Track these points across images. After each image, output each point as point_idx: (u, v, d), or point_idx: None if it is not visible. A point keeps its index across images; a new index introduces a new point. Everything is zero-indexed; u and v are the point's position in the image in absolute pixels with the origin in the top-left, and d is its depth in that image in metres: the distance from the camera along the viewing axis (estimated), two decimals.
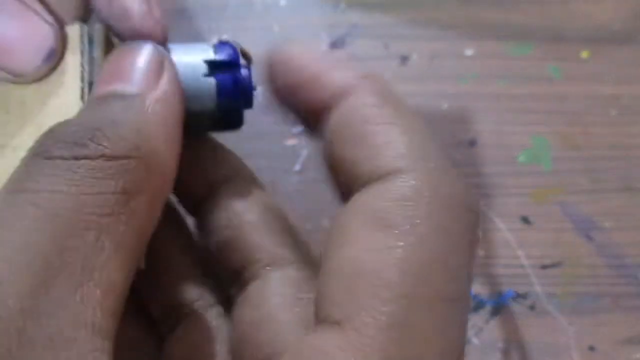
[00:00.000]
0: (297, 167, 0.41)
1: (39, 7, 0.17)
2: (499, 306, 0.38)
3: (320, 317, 0.13)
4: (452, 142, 0.42)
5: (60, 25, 0.18)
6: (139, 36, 0.18)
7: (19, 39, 0.17)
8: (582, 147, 0.42)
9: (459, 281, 0.14)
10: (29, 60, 0.17)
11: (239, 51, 0.21)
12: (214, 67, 0.20)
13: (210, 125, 0.21)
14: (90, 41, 0.18)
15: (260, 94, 0.43)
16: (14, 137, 0.17)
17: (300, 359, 0.13)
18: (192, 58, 0.19)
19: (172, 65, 0.17)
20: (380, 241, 0.13)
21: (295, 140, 0.41)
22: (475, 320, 0.37)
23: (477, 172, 0.41)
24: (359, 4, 0.47)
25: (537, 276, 0.38)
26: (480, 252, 0.39)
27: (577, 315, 0.38)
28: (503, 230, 0.40)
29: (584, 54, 0.46)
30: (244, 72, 0.21)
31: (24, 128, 0.17)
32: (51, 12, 0.18)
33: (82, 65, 0.18)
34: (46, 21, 0.17)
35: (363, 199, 0.15)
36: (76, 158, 0.13)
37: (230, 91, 0.20)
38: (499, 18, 0.47)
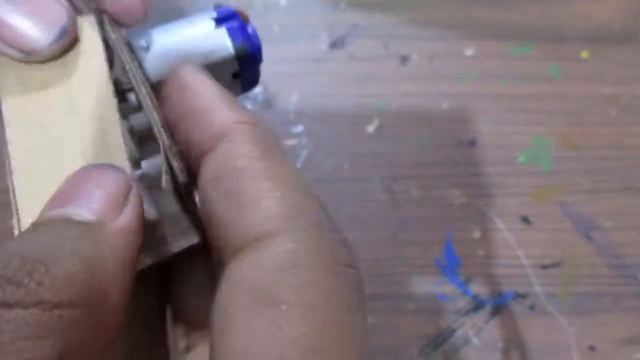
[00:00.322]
0: (298, 167, 0.41)
1: None
2: (499, 306, 0.38)
3: None
4: (452, 142, 0.42)
5: (73, 8, 0.18)
6: (119, 12, 0.18)
7: (32, 16, 0.16)
8: (582, 147, 0.42)
9: (359, 344, 0.13)
10: (41, 37, 0.16)
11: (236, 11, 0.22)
12: (220, 21, 0.21)
13: (230, 79, 0.21)
14: (103, 28, 0.19)
15: (260, 94, 0.43)
16: (39, 114, 0.17)
17: None
18: (198, 22, 0.21)
19: (139, 198, 0.14)
20: (270, 322, 0.12)
21: (295, 140, 0.41)
22: (475, 320, 0.37)
23: (477, 172, 0.41)
24: (359, 4, 0.47)
25: (537, 276, 0.38)
26: (480, 252, 0.39)
27: (577, 315, 0.37)
28: (503, 230, 0.40)
29: (584, 54, 0.46)
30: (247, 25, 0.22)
31: (50, 106, 0.17)
32: None
33: (103, 45, 0.18)
34: (59, 3, 0.17)
35: (240, 272, 0.13)
36: (7, 305, 0.10)
37: (241, 35, 0.21)
38: (499, 18, 0.47)
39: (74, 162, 0.15)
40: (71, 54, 0.17)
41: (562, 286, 0.38)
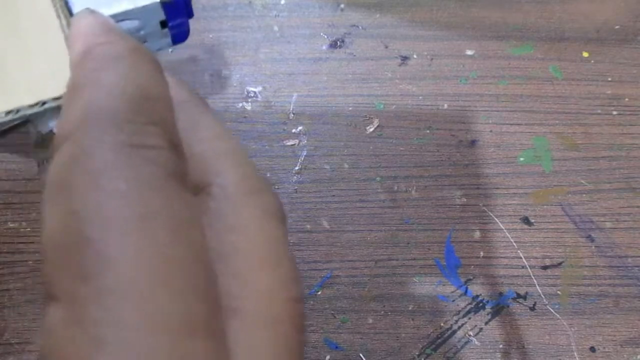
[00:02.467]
0: (297, 167, 0.40)
1: None
2: (500, 307, 0.38)
3: None
4: (452, 142, 0.42)
5: None
6: None
7: None
8: (582, 147, 0.42)
9: None
10: None
11: None
12: None
13: (158, 27, 0.22)
14: None
15: (260, 94, 0.43)
16: None
17: None
18: None
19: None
20: None
21: (295, 140, 0.41)
22: (476, 320, 0.37)
23: (477, 172, 0.41)
24: (359, 4, 0.47)
25: (538, 277, 0.38)
26: (481, 253, 0.39)
27: (578, 316, 0.37)
28: (503, 231, 0.39)
29: (585, 54, 0.46)
30: None
31: None
32: None
33: None
34: None
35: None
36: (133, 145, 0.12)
37: None
38: (499, 18, 0.47)
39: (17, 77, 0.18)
40: None
41: (562, 287, 0.38)
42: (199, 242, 0.12)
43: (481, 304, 0.38)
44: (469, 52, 0.45)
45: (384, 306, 0.37)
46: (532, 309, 0.38)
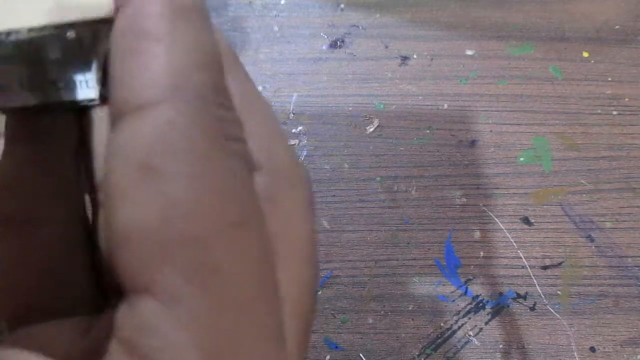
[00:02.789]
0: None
1: None
2: (500, 307, 0.38)
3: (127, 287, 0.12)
4: (452, 142, 0.42)
5: None
6: None
7: None
8: (582, 147, 0.42)
9: (239, 210, 0.13)
10: None
11: None
12: None
13: None
14: None
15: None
16: None
17: None
18: None
19: None
20: (153, 191, 0.12)
21: (295, 141, 0.41)
22: (476, 320, 0.37)
23: (477, 172, 0.41)
24: (359, 4, 0.47)
25: (538, 277, 0.38)
26: (481, 253, 0.39)
27: (578, 316, 0.37)
28: (503, 231, 0.39)
29: (585, 54, 0.46)
30: None
31: None
32: None
33: None
34: None
35: (120, 140, 0.12)
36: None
37: None
38: (499, 18, 0.47)
39: None
40: None
41: (562, 287, 0.38)
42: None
43: (481, 304, 0.38)
44: (469, 52, 0.45)
45: (384, 306, 0.37)
46: (532, 309, 0.38)
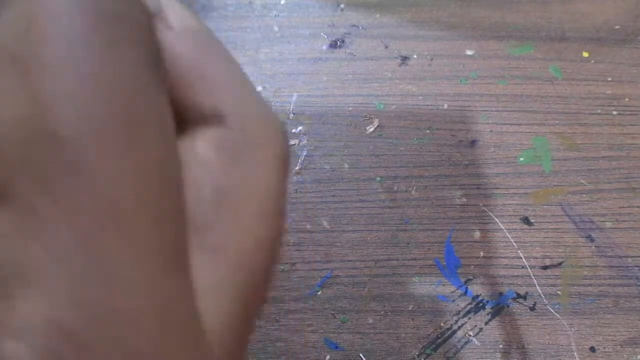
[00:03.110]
0: (297, 167, 0.41)
1: None
2: (500, 307, 0.38)
3: None
4: (452, 142, 0.42)
5: None
6: None
7: None
8: (582, 147, 0.42)
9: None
10: None
11: None
12: None
13: None
14: None
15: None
16: None
17: None
18: None
19: None
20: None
21: (295, 141, 0.41)
22: (476, 320, 0.37)
23: (477, 172, 0.41)
24: (359, 4, 0.47)
25: (538, 277, 0.38)
26: (481, 253, 0.39)
27: (578, 316, 0.37)
28: (503, 231, 0.39)
29: (585, 54, 0.46)
30: None
31: None
32: None
33: None
34: None
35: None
36: None
37: None
38: (499, 18, 0.47)
39: None
40: None
41: (562, 287, 0.38)
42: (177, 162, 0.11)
43: (481, 304, 0.38)
44: (469, 52, 0.45)
45: (384, 306, 0.37)
46: (532, 309, 0.38)
